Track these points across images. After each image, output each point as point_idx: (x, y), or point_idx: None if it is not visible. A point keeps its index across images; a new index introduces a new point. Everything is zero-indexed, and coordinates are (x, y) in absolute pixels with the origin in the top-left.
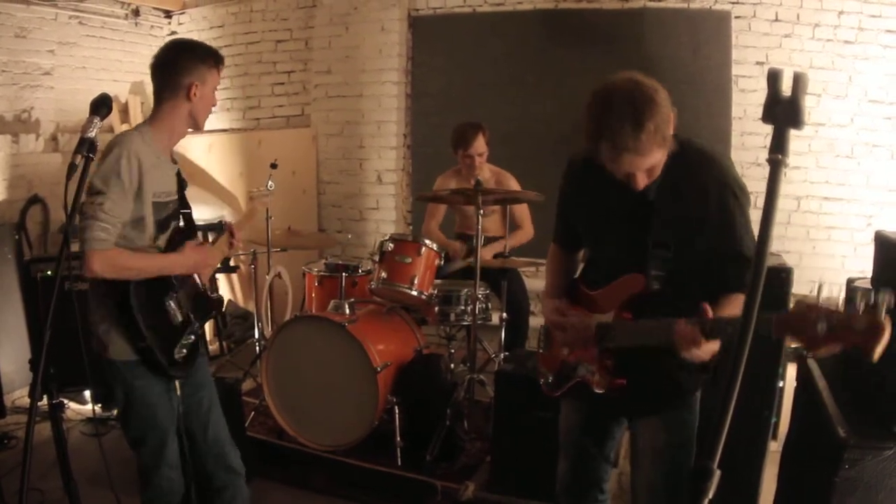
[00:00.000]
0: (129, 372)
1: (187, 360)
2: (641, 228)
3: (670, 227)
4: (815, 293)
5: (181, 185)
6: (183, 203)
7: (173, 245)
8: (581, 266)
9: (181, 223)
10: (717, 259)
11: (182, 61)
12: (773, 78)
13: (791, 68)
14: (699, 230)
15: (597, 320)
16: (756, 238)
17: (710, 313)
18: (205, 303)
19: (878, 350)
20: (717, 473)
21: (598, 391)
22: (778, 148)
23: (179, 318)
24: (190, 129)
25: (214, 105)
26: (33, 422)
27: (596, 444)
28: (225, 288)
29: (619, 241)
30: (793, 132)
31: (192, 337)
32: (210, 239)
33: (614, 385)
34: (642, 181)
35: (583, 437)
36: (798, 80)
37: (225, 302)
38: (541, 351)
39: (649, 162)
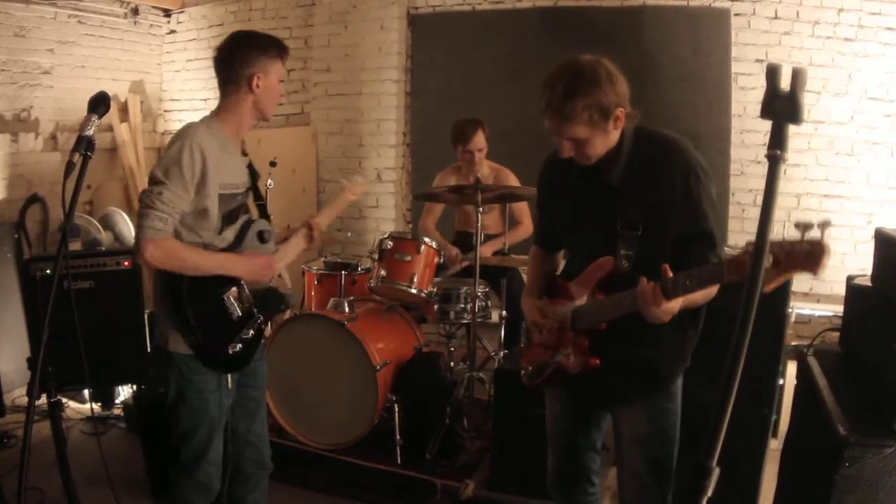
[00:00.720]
0: (185, 365)
1: (243, 356)
2: (610, 213)
3: (637, 208)
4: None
5: (254, 176)
6: (256, 195)
7: (241, 237)
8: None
9: (252, 217)
10: (685, 238)
11: (242, 53)
12: (772, 73)
13: (791, 66)
14: (666, 210)
15: (572, 307)
16: (756, 232)
17: (670, 273)
18: (274, 298)
19: (823, 268)
20: (716, 471)
21: (573, 372)
22: (777, 143)
23: (239, 312)
24: (259, 121)
25: (281, 95)
26: (31, 421)
27: (581, 434)
28: None
29: (591, 229)
30: (792, 128)
31: (252, 332)
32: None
33: (588, 365)
34: (567, 150)
35: (567, 427)
36: (797, 76)
37: (297, 297)
38: (522, 346)
39: (571, 132)
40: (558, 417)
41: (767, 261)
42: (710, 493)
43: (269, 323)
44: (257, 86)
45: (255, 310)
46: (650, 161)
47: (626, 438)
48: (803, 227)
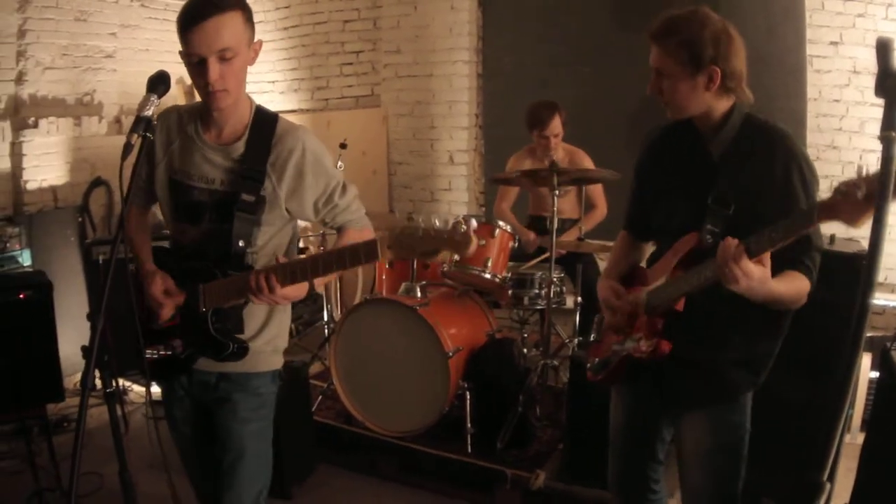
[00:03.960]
0: None
1: (159, 367)
2: (704, 186)
3: (733, 186)
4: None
5: (241, 175)
6: (244, 206)
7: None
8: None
9: (224, 224)
10: None
11: None
12: (883, 49)
13: (865, 49)
14: (761, 195)
15: (647, 291)
16: (872, 220)
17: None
18: (195, 325)
19: None
20: (828, 487)
21: (642, 356)
22: (891, 125)
23: (158, 322)
24: (213, 109)
25: (205, 82)
26: (84, 412)
27: (643, 442)
28: None
29: (682, 199)
30: (868, 114)
31: (169, 352)
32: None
33: (660, 349)
34: (653, 83)
35: (629, 437)
36: None
37: (246, 351)
38: (592, 340)
39: (660, 60)
40: (621, 427)
41: (860, 193)
42: None
43: (191, 359)
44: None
45: (178, 331)
46: (754, 143)
47: (689, 453)
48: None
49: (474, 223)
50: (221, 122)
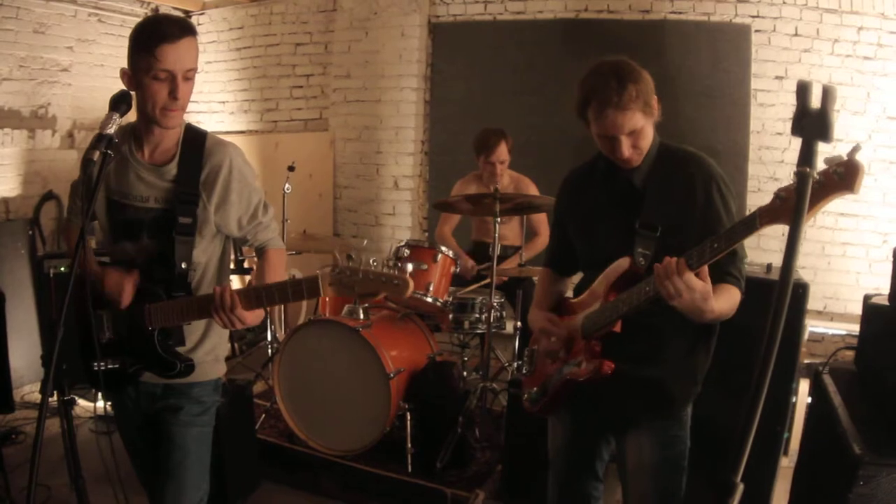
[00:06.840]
0: None
1: (108, 379)
2: (630, 214)
3: (658, 211)
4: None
5: (177, 198)
6: (181, 228)
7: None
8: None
9: (156, 243)
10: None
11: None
12: (802, 91)
13: (821, 83)
14: (686, 216)
15: (583, 315)
16: (785, 250)
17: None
18: (141, 343)
19: (859, 185)
20: (741, 487)
21: (584, 379)
22: (806, 161)
23: (107, 336)
24: (162, 127)
25: (161, 99)
26: (44, 418)
27: (583, 461)
28: None
29: (610, 228)
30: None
31: (116, 365)
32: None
33: (602, 370)
34: (627, 149)
35: (570, 454)
36: (827, 93)
37: (193, 369)
38: (525, 373)
39: (631, 123)
40: (560, 447)
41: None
42: None
43: (137, 372)
44: (129, 84)
45: (122, 345)
46: (673, 168)
47: (632, 467)
48: (833, 159)
49: (410, 267)
50: (155, 141)
